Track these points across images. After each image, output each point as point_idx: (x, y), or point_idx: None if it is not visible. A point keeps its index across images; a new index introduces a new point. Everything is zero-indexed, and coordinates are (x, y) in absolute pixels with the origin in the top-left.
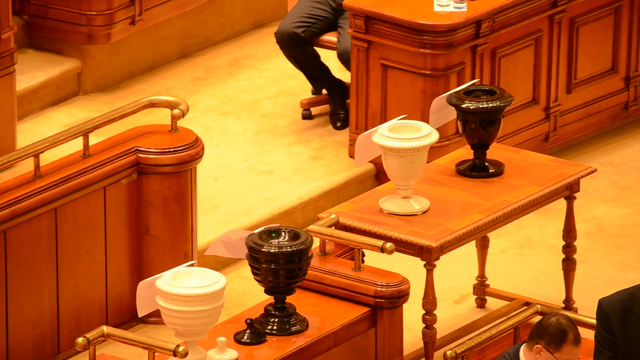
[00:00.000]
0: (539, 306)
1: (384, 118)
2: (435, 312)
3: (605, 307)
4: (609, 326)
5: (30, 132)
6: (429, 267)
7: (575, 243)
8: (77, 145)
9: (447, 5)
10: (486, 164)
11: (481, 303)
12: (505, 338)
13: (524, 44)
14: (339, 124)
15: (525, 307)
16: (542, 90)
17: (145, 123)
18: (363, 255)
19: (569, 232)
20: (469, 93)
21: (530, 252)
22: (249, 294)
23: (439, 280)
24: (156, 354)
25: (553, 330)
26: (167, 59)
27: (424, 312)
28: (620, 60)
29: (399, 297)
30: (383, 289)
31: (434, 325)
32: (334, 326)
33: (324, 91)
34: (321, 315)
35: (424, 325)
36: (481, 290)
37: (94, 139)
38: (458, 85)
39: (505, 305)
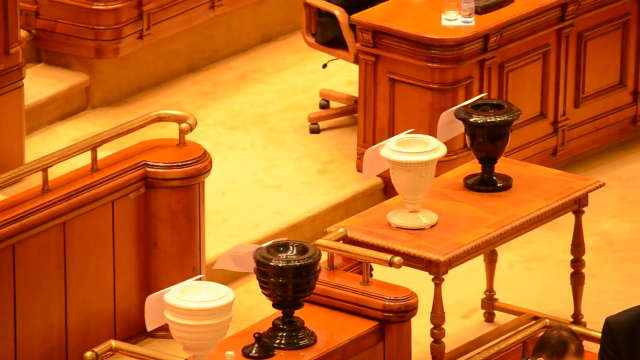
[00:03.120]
0: (547, 320)
1: (392, 132)
2: (443, 326)
3: (612, 327)
4: (616, 346)
5: (38, 146)
6: (437, 281)
7: (583, 257)
8: (85, 159)
9: (455, 19)
10: (494, 178)
11: (489, 317)
12: (513, 352)
13: (531, 58)
14: None
15: (534, 322)
16: (550, 104)
17: (153, 137)
18: (371, 269)
19: (578, 246)
20: (476, 107)
21: (539, 266)
22: (257, 308)
23: (447, 294)
24: None
25: (554, 342)
26: (175, 73)
27: (432, 326)
28: (628, 74)
29: (407, 311)
30: (391, 303)
31: (443, 340)
32: (342, 340)
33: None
34: (329, 330)
35: (432, 339)
36: (489, 304)
37: (102, 153)
38: (466, 99)
39: (514, 320)
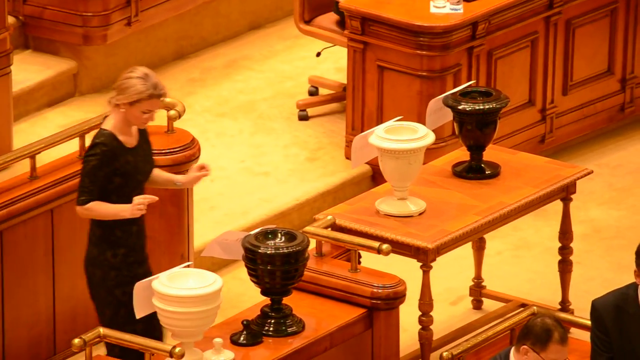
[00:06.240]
0: (535, 308)
1: (380, 119)
2: (431, 313)
3: (598, 308)
4: (604, 327)
5: (26, 133)
6: (425, 269)
7: (571, 245)
8: (73, 146)
9: (444, 6)
10: (482, 165)
11: (477, 304)
12: (501, 339)
13: (520, 46)
14: None
15: (522, 309)
16: (538, 91)
17: None
18: (359, 256)
19: (565, 233)
20: (465, 95)
21: (527, 253)
22: (245, 295)
23: (435, 282)
24: (152, 355)
25: (538, 330)
26: (163, 60)
27: (420, 313)
28: (616, 62)
29: (396, 298)
30: (379, 291)
31: (431, 327)
32: (331, 327)
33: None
34: (317, 317)
35: (420, 326)
36: (477, 291)
37: (90, 139)
38: (454, 87)
39: (502, 307)
